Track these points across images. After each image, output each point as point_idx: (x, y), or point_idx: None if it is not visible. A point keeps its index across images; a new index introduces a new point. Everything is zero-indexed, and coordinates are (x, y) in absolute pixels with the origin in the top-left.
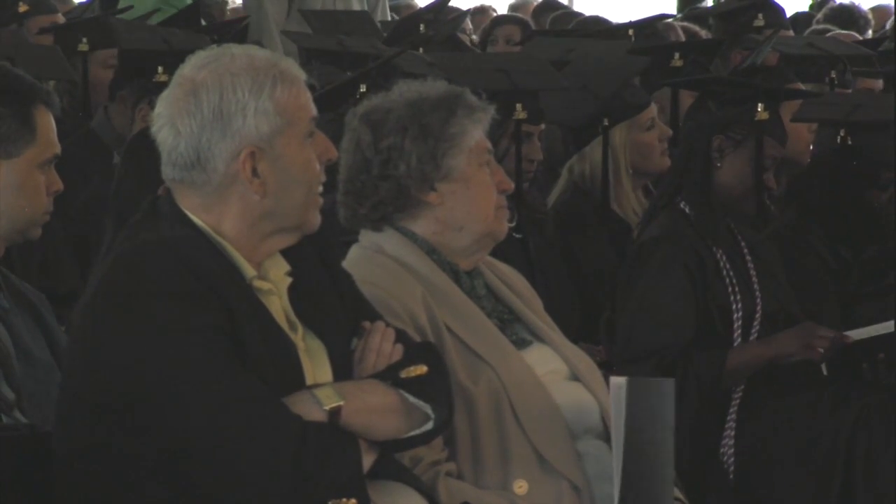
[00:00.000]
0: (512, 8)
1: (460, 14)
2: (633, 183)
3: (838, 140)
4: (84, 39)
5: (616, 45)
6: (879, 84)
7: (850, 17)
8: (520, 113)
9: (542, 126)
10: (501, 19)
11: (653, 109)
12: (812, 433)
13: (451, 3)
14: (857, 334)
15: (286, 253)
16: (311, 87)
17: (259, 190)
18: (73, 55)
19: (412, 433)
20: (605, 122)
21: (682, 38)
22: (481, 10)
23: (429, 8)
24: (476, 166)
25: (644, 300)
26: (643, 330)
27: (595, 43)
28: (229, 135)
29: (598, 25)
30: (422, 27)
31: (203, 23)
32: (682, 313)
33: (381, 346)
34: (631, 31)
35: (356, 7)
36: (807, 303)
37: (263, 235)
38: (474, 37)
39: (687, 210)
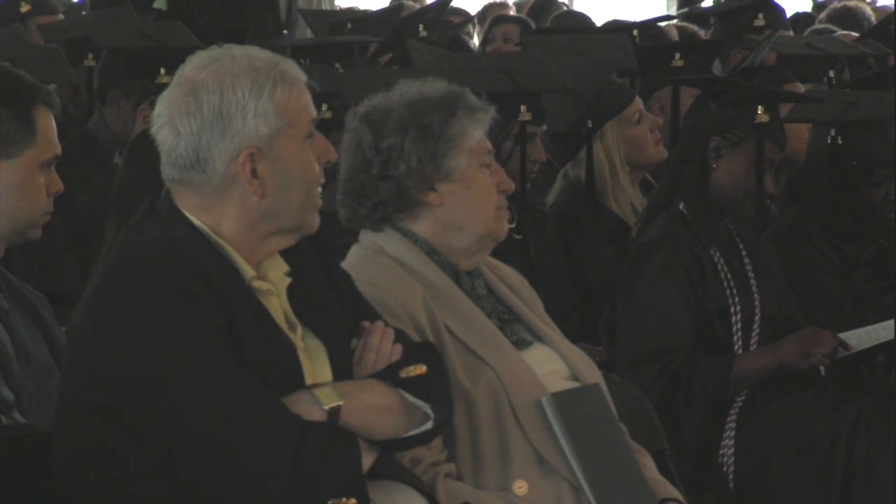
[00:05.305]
0: (517, 7)
1: (466, 19)
2: (630, 178)
3: (829, 140)
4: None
5: (608, 39)
6: None
7: (854, 18)
8: (524, 114)
9: (544, 126)
10: (500, 18)
11: (638, 103)
12: (812, 433)
13: (451, 5)
14: (856, 337)
15: (285, 253)
16: (311, 89)
17: (258, 191)
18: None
19: (412, 433)
20: (589, 125)
21: (677, 38)
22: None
23: (429, 7)
24: (476, 167)
25: (643, 303)
26: (643, 333)
27: (590, 38)
28: (229, 135)
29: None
30: (421, 28)
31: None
32: (682, 316)
33: (380, 346)
34: (635, 32)
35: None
36: (810, 303)
37: (262, 236)
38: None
39: (685, 211)
